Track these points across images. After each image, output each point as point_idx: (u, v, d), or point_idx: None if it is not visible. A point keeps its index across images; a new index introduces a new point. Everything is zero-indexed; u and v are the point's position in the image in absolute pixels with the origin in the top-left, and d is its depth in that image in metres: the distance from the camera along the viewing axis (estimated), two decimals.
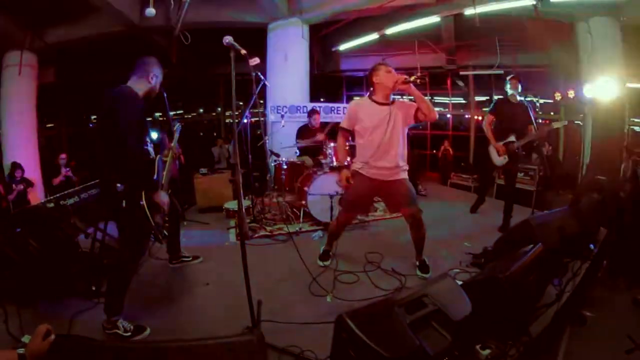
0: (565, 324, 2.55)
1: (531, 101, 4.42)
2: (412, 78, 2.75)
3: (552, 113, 9.93)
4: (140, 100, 2.28)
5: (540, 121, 4.23)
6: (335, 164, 4.59)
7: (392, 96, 3.02)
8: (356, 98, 3.78)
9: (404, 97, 3.50)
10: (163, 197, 2.35)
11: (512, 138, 4.24)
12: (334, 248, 3.51)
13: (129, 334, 2.26)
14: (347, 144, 4.92)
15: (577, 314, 2.66)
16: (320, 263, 3.40)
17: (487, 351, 2.08)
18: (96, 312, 2.44)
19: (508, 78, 4.44)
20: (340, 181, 3.11)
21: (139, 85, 2.34)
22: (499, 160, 4.40)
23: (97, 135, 2.23)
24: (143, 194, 2.22)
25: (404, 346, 1.52)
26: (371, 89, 3.05)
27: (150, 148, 2.45)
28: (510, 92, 4.35)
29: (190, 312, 2.63)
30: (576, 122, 9.04)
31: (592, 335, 2.48)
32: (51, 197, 2.99)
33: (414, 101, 2.96)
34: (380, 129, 2.91)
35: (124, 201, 2.19)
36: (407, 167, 3.08)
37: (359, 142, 3.09)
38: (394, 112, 2.92)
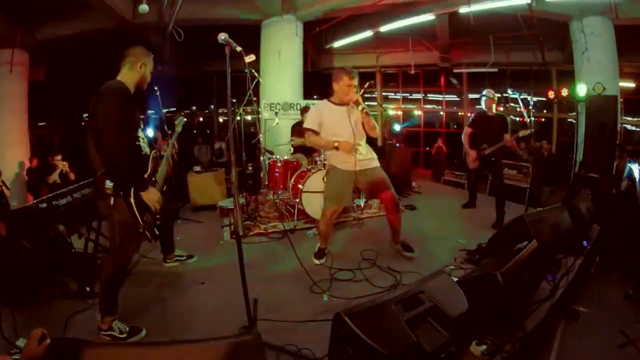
0: (559, 319, 2.58)
1: (505, 115, 4.79)
2: (360, 107, 2.98)
3: (544, 111, 10.03)
4: (128, 92, 2.21)
5: (527, 119, 4.47)
6: (324, 158, 4.62)
7: None
8: (315, 103, 4.04)
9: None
10: (153, 195, 2.26)
11: (484, 146, 4.66)
12: (328, 245, 3.53)
13: (125, 335, 2.23)
14: None
15: (571, 309, 2.69)
16: (316, 261, 3.39)
17: (483, 347, 2.09)
18: (91, 314, 2.41)
19: (484, 96, 4.78)
20: (349, 150, 3.11)
21: (129, 77, 2.28)
22: (471, 164, 4.89)
23: (88, 131, 2.18)
24: (132, 191, 2.16)
25: (401, 343, 1.53)
26: (330, 90, 3.30)
27: (143, 144, 2.39)
28: (484, 108, 4.77)
29: (186, 312, 2.61)
30: (569, 119, 9.17)
31: (586, 330, 2.50)
32: (43, 197, 2.93)
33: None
34: (343, 125, 3.14)
35: (112, 198, 2.15)
36: (376, 156, 3.37)
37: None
38: (350, 110, 3.16)
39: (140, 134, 2.39)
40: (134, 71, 2.30)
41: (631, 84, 7.91)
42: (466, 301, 1.93)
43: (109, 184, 2.13)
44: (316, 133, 3.24)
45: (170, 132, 2.95)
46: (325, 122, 3.21)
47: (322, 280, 2.99)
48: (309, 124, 3.26)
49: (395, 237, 3.52)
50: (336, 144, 3.12)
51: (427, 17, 6.79)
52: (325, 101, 3.34)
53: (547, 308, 2.57)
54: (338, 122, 3.17)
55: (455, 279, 2.23)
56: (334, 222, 3.56)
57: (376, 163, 3.33)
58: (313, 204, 4.37)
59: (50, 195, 2.98)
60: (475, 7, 5.71)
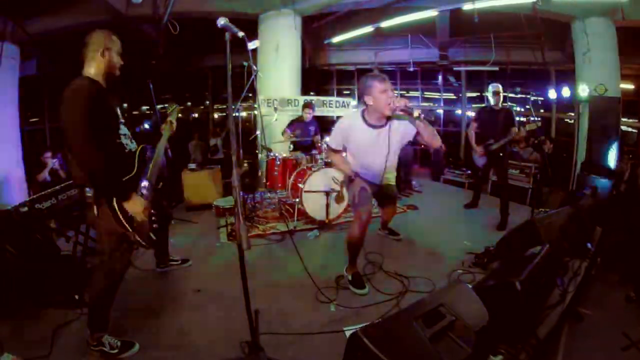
0: (564, 322, 2.52)
1: (510, 108, 4.69)
2: (416, 114, 2.39)
3: (542, 110, 9.97)
4: (93, 89, 1.96)
5: (533, 119, 4.39)
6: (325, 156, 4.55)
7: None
8: (348, 113, 3.88)
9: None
10: (136, 205, 2.00)
11: (491, 141, 4.53)
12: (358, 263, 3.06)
13: (116, 350, 2.06)
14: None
15: (574, 312, 2.64)
16: (359, 292, 2.82)
17: (499, 357, 2.01)
18: (80, 324, 2.25)
19: (492, 90, 4.68)
20: (356, 189, 2.82)
21: (94, 68, 2.06)
22: (479, 161, 4.79)
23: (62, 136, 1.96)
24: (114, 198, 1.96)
25: None
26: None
27: (126, 140, 2.16)
28: (492, 101, 4.64)
29: (182, 323, 2.43)
30: (566, 119, 9.12)
31: (589, 333, 2.46)
32: (25, 201, 2.73)
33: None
34: (372, 155, 2.81)
35: (95, 208, 1.96)
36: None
37: (350, 156, 2.99)
38: (386, 135, 2.68)
39: (123, 129, 2.15)
40: (98, 60, 2.07)
41: (630, 86, 7.87)
42: (487, 313, 1.81)
43: (88, 192, 1.94)
44: (338, 151, 2.92)
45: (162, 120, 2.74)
46: (353, 143, 2.80)
47: (327, 288, 2.83)
48: (331, 141, 2.89)
49: (384, 227, 3.98)
50: (352, 175, 2.84)
51: (429, 14, 6.65)
52: (358, 115, 2.74)
53: (558, 313, 2.50)
54: (369, 149, 2.76)
55: (470, 286, 2.12)
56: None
57: (392, 180, 3.30)
58: (314, 204, 4.23)
59: (33, 197, 2.78)
60: (479, 4, 5.60)
